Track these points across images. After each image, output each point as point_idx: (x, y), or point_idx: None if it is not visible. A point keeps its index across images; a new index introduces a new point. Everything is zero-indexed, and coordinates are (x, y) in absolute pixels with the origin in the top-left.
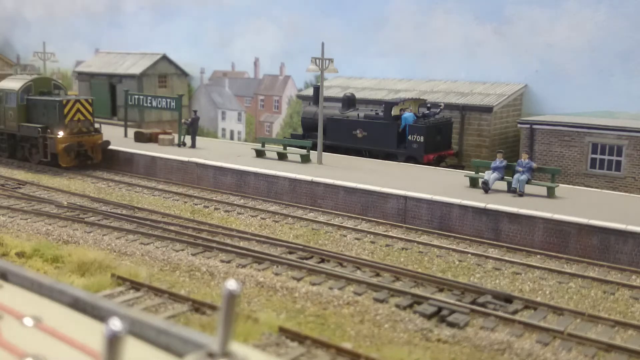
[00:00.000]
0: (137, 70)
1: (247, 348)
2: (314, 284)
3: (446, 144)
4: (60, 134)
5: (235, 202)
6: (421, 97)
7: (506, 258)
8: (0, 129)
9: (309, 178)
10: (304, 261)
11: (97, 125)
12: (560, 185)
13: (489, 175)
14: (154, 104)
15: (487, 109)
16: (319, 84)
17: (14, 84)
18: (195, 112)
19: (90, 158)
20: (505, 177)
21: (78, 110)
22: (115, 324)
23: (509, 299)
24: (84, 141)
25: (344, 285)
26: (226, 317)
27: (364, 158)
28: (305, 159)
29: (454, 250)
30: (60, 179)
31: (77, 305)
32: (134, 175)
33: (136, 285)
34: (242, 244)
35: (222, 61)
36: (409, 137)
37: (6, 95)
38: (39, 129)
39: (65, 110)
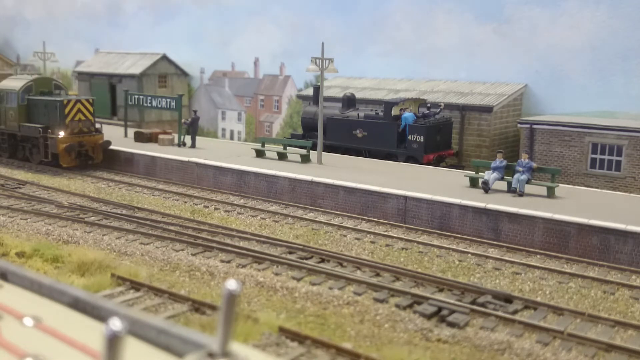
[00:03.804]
0: (137, 70)
1: (247, 348)
2: (314, 284)
3: (446, 144)
4: (61, 134)
5: (235, 202)
6: (421, 97)
7: (506, 258)
8: (1, 129)
9: (309, 178)
10: (304, 261)
11: (97, 125)
12: (560, 185)
13: (489, 175)
14: (154, 104)
15: (487, 109)
16: (319, 84)
17: (14, 83)
18: (195, 112)
19: (91, 158)
20: (505, 177)
21: (79, 110)
22: (115, 324)
23: (509, 299)
24: (85, 141)
25: (344, 285)
26: (226, 317)
27: (364, 158)
28: (305, 159)
29: (454, 250)
30: (60, 179)
31: (77, 305)
32: (134, 175)
33: (136, 285)
34: (242, 244)
35: (222, 61)
36: (409, 137)
37: (7, 95)
38: (40, 129)
39: (66, 110)
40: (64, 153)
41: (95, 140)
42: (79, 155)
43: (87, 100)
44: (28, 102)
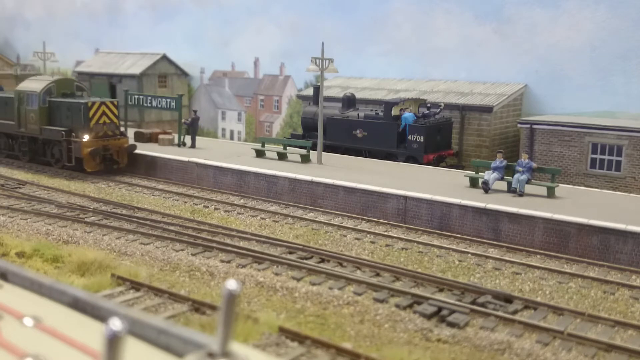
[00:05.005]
0: (137, 70)
1: (247, 348)
2: (314, 284)
3: (446, 144)
4: (86, 137)
5: (235, 202)
6: (421, 97)
7: (506, 258)
8: (21, 132)
9: (309, 178)
10: (304, 261)
11: (122, 129)
12: (560, 185)
13: (489, 175)
14: (154, 104)
15: (487, 109)
16: (319, 84)
17: (35, 85)
18: (195, 112)
19: (116, 162)
20: (505, 177)
21: (103, 112)
22: (115, 324)
23: (509, 299)
24: (110, 145)
25: (344, 285)
26: (226, 317)
27: (364, 158)
28: (305, 159)
29: (454, 250)
30: (60, 179)
31: (77, 305)
32: (134, 175)
33: (136, 285)
34: (242, 244)
35: (222, 61)
36: (409, 137)
37: (27, 97)
38: (63, 132)
39: (91, 113)
40: (88, 157)
41: (120, 144)
42: (103, 159)
43: (112, 103)
44: (50, 104)
